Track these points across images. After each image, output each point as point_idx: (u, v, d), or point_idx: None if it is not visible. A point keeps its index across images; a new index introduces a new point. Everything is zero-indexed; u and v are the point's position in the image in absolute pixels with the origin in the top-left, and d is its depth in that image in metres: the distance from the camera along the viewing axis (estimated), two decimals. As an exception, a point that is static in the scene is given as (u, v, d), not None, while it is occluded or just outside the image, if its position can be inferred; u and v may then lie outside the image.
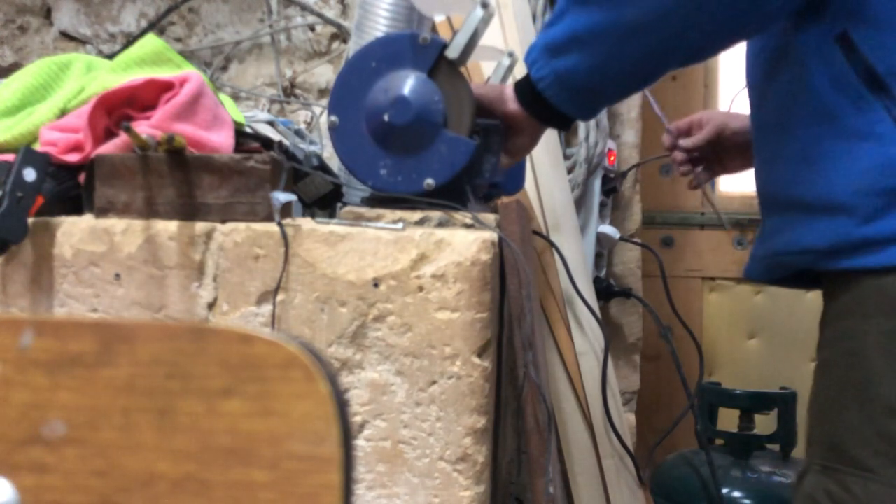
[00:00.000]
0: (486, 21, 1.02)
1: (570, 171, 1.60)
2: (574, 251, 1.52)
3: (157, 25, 1.82)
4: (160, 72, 1.21)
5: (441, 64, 1.02)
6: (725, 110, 1.23)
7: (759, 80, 0.93)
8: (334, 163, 1.25)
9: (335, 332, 1.00)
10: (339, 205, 1.20)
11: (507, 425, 1.35)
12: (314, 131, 1.67)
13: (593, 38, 0.88)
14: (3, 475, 0.41)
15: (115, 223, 1.08)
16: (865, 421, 0.79)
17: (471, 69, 1.51)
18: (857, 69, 0.79)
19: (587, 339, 1.51)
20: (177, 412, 0.40)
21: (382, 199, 1.06)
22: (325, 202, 1.22)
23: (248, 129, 1.23)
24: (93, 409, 0.41)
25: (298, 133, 1.45)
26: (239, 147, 1.16)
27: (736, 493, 1.49)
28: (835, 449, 0.82)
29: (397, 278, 0.98)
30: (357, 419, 1.00)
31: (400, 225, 1.00)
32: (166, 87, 1.14)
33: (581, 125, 1.60)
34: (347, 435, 0.39)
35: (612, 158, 1.70)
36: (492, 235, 0.99)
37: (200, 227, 1.05)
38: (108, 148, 1.11)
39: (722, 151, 1.18)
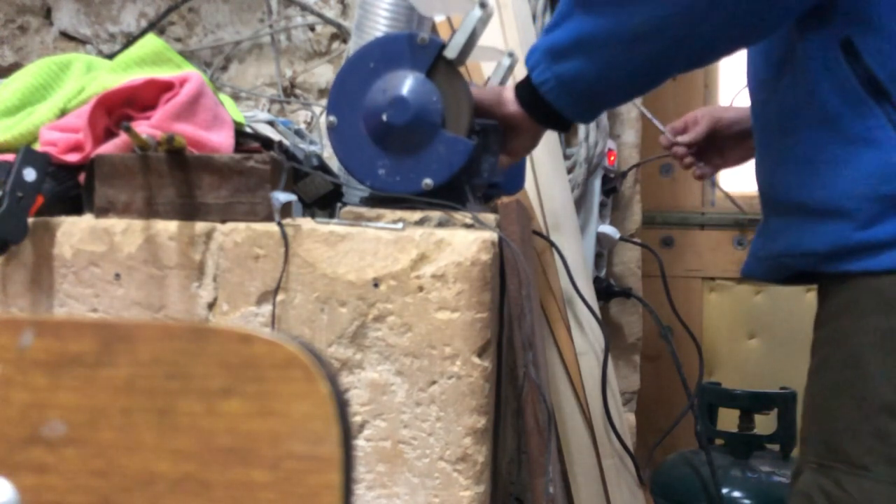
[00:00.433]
0: (484, 21, 1.02)
1: (570, 171, 1.59)
2: (574, 251, 1.52)
3: (157, 25, 1.82)
4: (160, 72, 1.21)
5: (439, 64, 1.02)
6: (719, 105, 1.24)
7: (762, 82, 0.93)
8: (334, 163, 1.25)
9: (335, 332, 1.00)
10: (339, 205, 1.20)
11: (507, 425, 1.35)
12: (314, 131, 1.67)
13: (597, 44, 0.87)
14: (3, 475, 0.41)
15: (115, 223, 1.08)
16: (860, 419, 0.80)
17: (471, 69, 1.51)
18: (859, 75, 0.79)
19: (587, 339, 1.51)
20: (177, 412, 0.40)
21: (382, 199, 1.06)
22: (325, 202, 1.22)
23: (248, 129, 1.23)
24: (93, 409, 0.41)
25: (298, 133, 1.45)
26: (239, 147, 1.16)
27: (736, 493, 1.49)
28: (830, 447, 0.83)
29: (397, 278, 0.98)
30: (357, 419, 1.00)
31: (400, 225, 1.00)
32: (166, 87, 1.14)
33: (581, 125, 1.60)
34: (347, 435, 0.39)
35: (612, 158, 1.70)
36: (492, 235, 0.99)
37: (200, 227, 1.05)
38: (108, 148, 1.11)
39: (720, 144, 1.19)
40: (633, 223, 1.80)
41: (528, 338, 1.15)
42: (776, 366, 2.03)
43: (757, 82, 0.95)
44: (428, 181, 1.01)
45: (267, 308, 1.02)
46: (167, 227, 1.06)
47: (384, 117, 1.01)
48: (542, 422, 1.16)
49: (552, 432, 1.17)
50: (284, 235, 1.00)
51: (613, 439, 1.49)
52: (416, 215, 1.02)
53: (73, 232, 1.09)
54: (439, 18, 1.52)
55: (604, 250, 1.73)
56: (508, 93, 1.01)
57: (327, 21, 1.76)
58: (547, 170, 1.53)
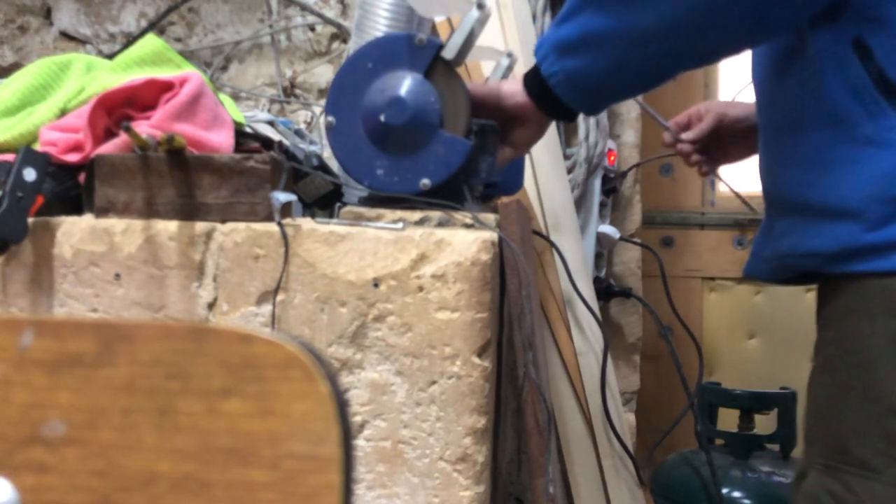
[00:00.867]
0: (482, 21, 1.02)
1: (570, 171, 1.59)
2: (574, 251, 1.52)
3: (157, 25, 1.82)
4: (160, 72, 1.21)
5: (437, 64, 1.02)
6: (724, 101, 1.23)
7: (768, 78, 0.92)
8: (334, 163, 1.25)
9: (335, 332, 1.00)
10: (339, 205, 1.20)
11: (507, 425, 1.35)
12: (314, 131, 1.67)
13: (606, 42, 0.88)
14: (3, 475, 0.41)
15: (115, 223, 1.08)
16: (869, 421, 0.79)
17: (470, 69, 1.51)
18: (871, 74, 0.78)
19: (587, 339, 1.51)
20: (177, 412, 0.40)
21: (382, 199, 1.06)
22: (325, 202, 1.22)
23: (248, 129, 1.23)
24: (93, 409, 0.41)
25: (298, 133, 1.45)
26: (239, 147, 1.16)
27: (736, 493, 1.49)
28: (838, 449, 0.82)
29: (397, 278, 0.98)
30: (357, 419, 1.00)
31: (400, 225, 1.00)
32: (166, 87, 1.14)
33: (581, 125, 1.60)
34: (347, 435, 0.39)
35: (612, 158, 1.70)
36: (492, 235, 0.99)
37: (200, 227, 1.05)
38: (108, 148, 1.11)
39: (724, 140, 1.18)
40: (633, 223, 1.80)
41: (528, 338, 1.15)
42: (776, 366, 2.03)
43: (762, 80, 0.94)
44: (426, 181, 1.02)
45: (267, 308, 1.02)
46: (167, 227, 1.06)
47: (382, 118, 1.01)
48: (542, 422, 1.16)
49: (552, 432, 1.17)
50: (284, 235, 1.00)
51: (613, 439, 1.49)
52: (416, 215, 1.02)
53: (73, 232, 1.09)
54: (439, 19, 1.52)
55: (604, 250, 1.73)
56: (512, 85, 1.01)
57: (327, 21, 1.76)
58: (547, 170, 1.53)
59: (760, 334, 2.08)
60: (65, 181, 1.14)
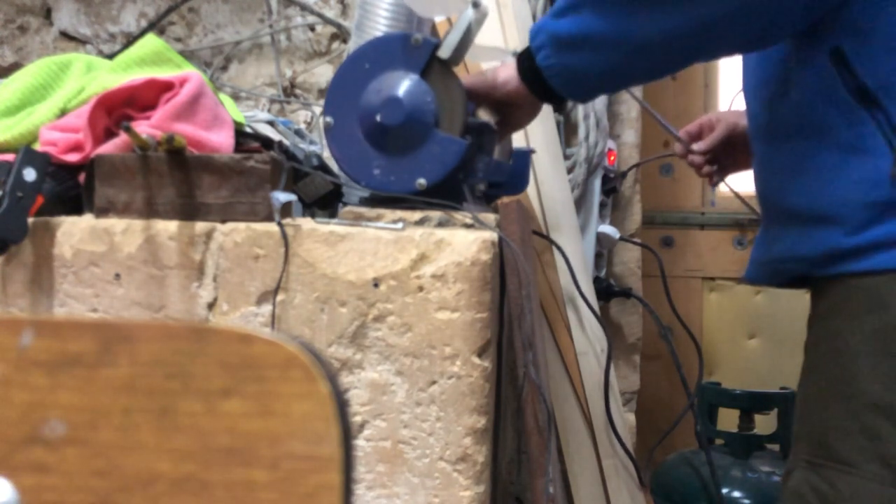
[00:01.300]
0: (478, 21, 1.02)
1: (570, 171, 1.59)
2: (574, 251, 1.52)
3: (157, 25, 1.82)
4: (160, 72, 1.21)
5: (433, 64, 1.03)
6: (735, 110, 1.25)
7: (755, 87, 0.95)
8: (334, 163, 1.25)
9: (335, 332, 1.00)
10: (339, 205, 1.20)
11: (507, 425, 1.35)
12: (314, 131, 1.67)
13: (607, 46, 0.89)
14: (3, 475, 0.41)
15: (115, 223, 1.08)
16: (850, 417, 0.81)
17: (470, 69, 1.51)
18: (848, 83, 0.80)
19: (587, 339, 1.51)
20: (177, 412, 0.40)
21: (382, 199, 1.06)
22: (325, 202, 1.22)
23: (248, 129, 1.23)
24: (93, 409, 0.41)
25: (298, 133, 1.46)
26: (239, 147, 1.16)
27: (736, 493, 1.49)
28: (820, 445, 0.83)
29: (397, 278, 0.98)
30: (357, 419, 1.00)
31: (400, 225, 1.00)
32: (166, 86, 1.14)
33: (581, 125, 1.61)
34: (347, 435, 0.39)
35: (612, 158, 1.70)
36: (492, 235, 0.99)
37: (200, 227, 1.05)
38: (108, 148, 1.11)
39: (735, 150, 1.20)
40: (633, 223, 1.80)
41: (528, 338, 1.15)
42: (776, 366, 2.03)
43: (752, 90, 0.96)
44: (422, 181, 1.02)
45: (267, 308, 1.02)
46: (167, 227, 1.06)
47: (378, 118, 1.02)
48: (542, 422, 1.16)
49: (552, 432, 1.17)
50: (284, 235, 1.00)
51: (613, 439, 1.49)
52: (416, 215, 1.03)
53: (73, 232, 1.09)
54: (439, 19, 1.52)
55: (604, 250, 1.73)
56: (506, 71, 1.02)
57: (327, 21, 1.76)
58: (547, 170, 1.53)
59: (760, 334, 2.08)
60: (65, 181, 1.14)
